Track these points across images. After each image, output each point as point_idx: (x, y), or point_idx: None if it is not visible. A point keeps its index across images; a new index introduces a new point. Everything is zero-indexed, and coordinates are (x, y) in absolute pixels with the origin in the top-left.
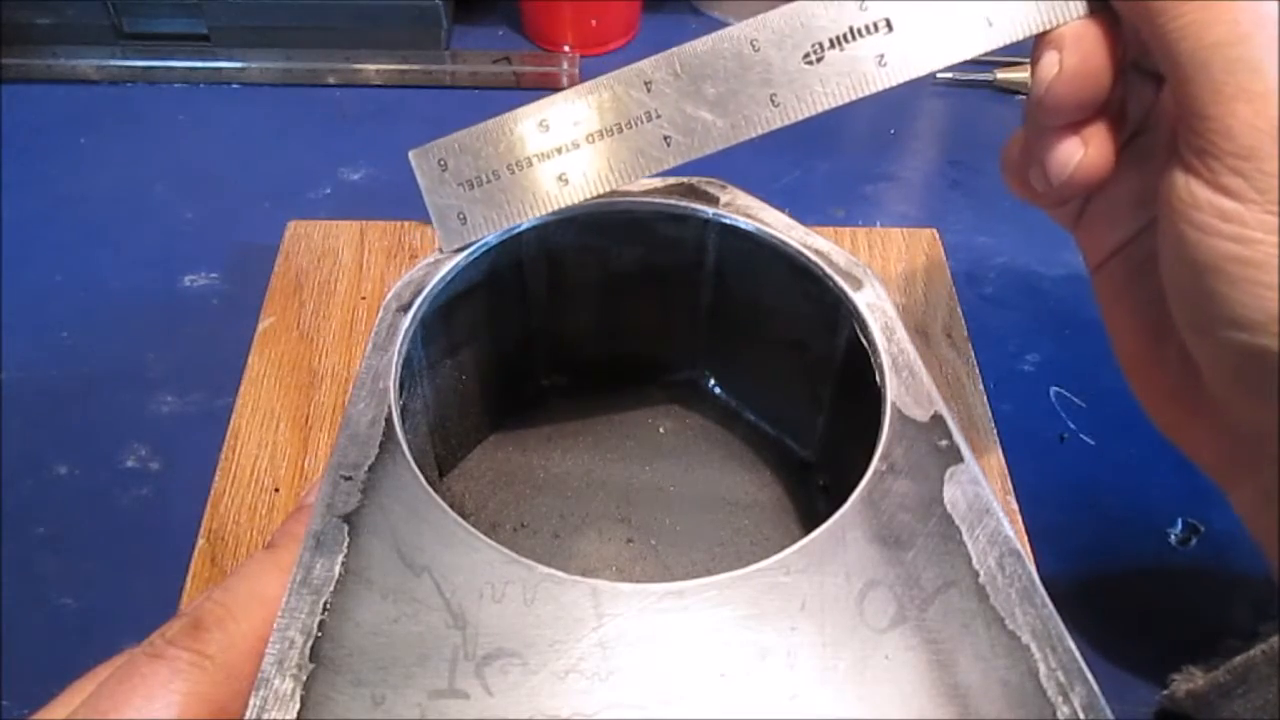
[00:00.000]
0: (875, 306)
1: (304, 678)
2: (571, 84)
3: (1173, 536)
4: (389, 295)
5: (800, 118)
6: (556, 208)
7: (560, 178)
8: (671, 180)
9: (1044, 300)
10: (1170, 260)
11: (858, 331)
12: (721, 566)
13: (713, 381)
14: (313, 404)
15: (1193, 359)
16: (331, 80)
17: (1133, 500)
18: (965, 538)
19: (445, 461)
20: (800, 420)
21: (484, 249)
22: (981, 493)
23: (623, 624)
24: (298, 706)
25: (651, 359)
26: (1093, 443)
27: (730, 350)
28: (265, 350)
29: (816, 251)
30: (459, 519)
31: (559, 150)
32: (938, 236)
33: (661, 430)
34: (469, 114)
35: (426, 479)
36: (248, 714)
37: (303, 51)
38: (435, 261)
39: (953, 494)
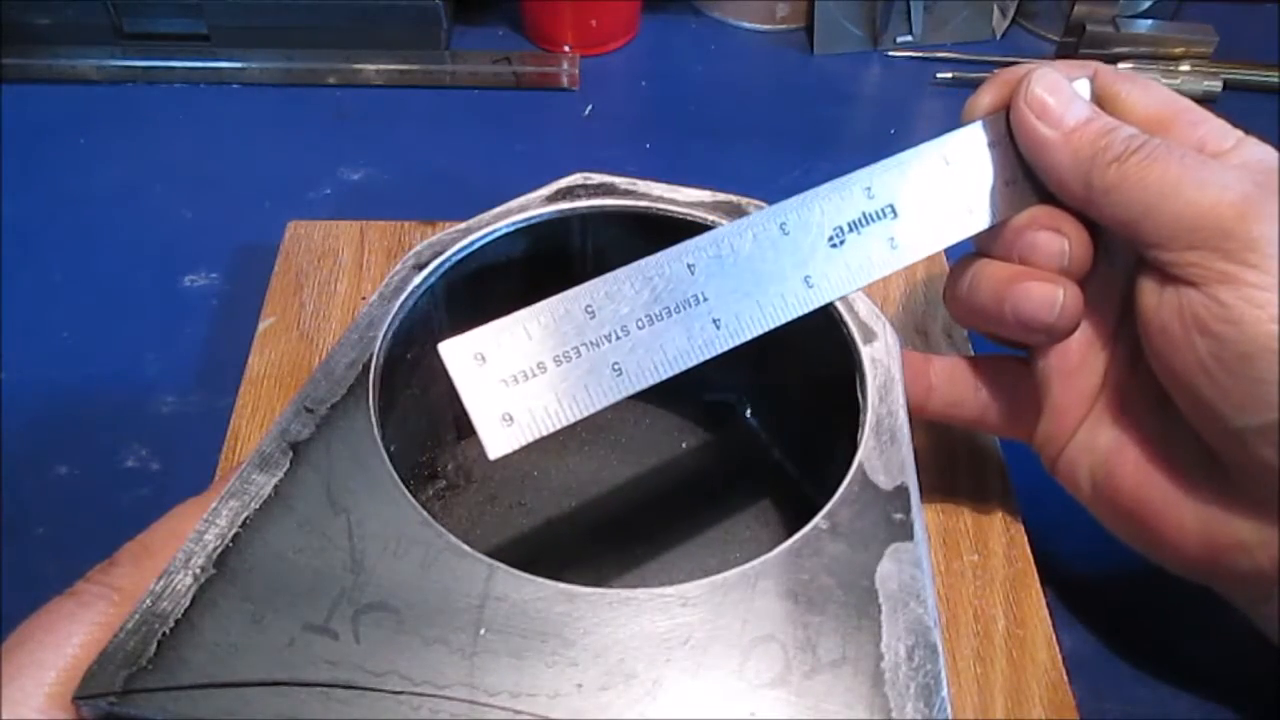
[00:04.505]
0: (880, 362)
1: (203, 579)
2: (571, 84)
3: None
4: (410, 252)
5: (833, 298)
6: (612, 401)
7: (614, 367)
8: (720, 196)
9: None
10: (1202, 365)
11: (856, 385)
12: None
13: (749, 410)
14: None
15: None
16: (331, 80)
17: None
18: (883, 617)
19: (467, 424)
20: (821, 469)
21: (524, 224)
22: (919, 576)
23: (507, 610)
24: (187, 604)
25: (694, 374)
26: None
27: (769, 381)
28: (265, 350)
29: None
30: (393, 472)
31: (608, 337)
32: None
33: (685, 446)
34: (469, 114)
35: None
36: (146, 598)
37: (303, 51)
38: (465, 229)
39: (887, 570)
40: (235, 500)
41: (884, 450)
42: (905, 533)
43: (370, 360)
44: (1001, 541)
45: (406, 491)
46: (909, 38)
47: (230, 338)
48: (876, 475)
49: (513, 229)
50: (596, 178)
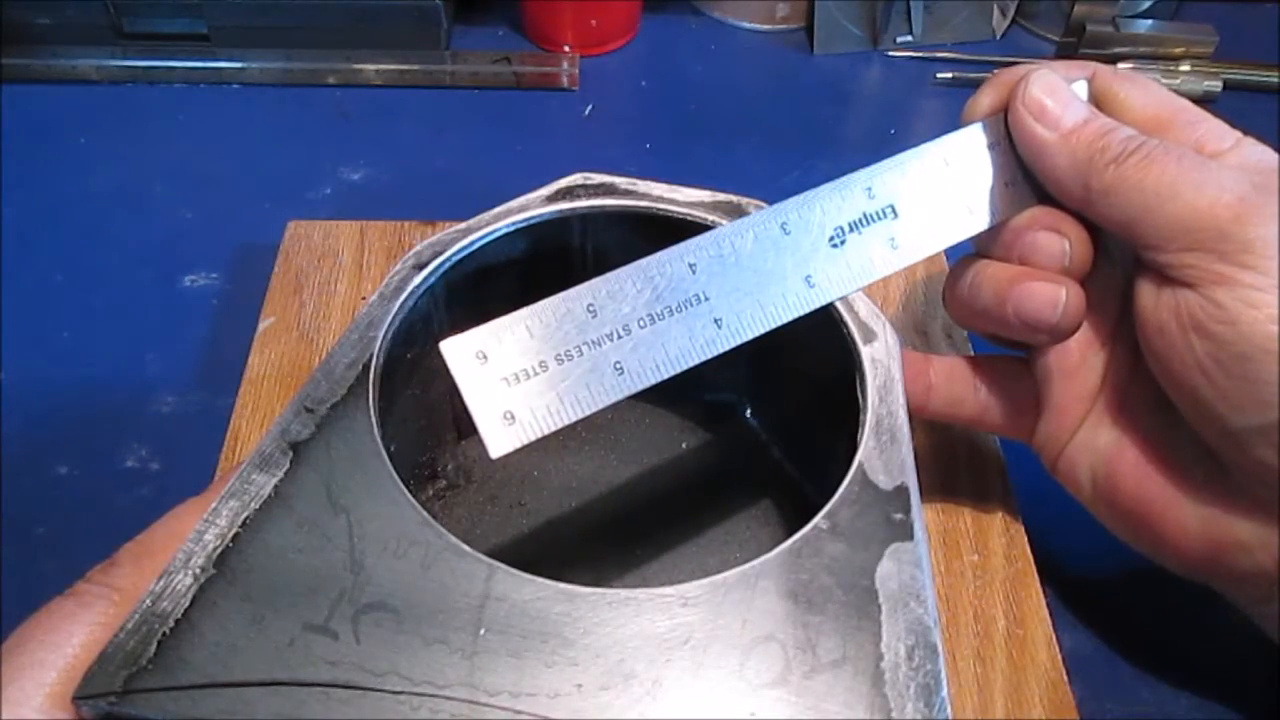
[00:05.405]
0: (880, 362)
1: (203, 579)
2: (572, 84)
3: None
4: (410, 252)
5: (834, 297)
6: (614, 400)
7: (616, 365)
8: (720, 196)
9: None
10: (1200, 366)
11: (856, 386)
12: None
13: (749, 410)
14: None
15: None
16: (331, 80)
17: None
18: (883, 617)
19: (467, 425)
20: (821, 469)
21: (524, 224)
22: (919, 576)
23: (508, 610)
24: (187, 604)
25: (694, 374)
26: None
27: (769, 381)
28: (265, 350)
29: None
30: (393, 472)
31: (609, 336)
32: None
33: (684, 446)
34: (469, 114)
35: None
36: (146, 598)
37: (303, 51)
38: (465, 229)
39: (887, 570)
40: (235, 500)
41: (884, 450)
42: (905, 533)
43: (370, 360)
44: (1001, 541)
45: (406, 491)
46: (909, 38)
47: (230, 338)
48: (876, 475)
49: (513, 229)
50: (596, 178)
